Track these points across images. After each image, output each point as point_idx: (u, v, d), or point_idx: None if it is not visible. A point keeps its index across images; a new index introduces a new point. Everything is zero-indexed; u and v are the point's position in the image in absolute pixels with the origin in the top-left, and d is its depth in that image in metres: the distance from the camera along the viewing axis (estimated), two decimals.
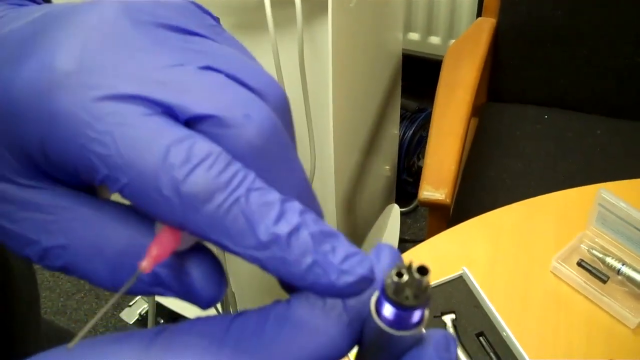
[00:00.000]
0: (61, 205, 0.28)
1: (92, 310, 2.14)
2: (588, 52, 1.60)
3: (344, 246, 0.27)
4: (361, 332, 0.29)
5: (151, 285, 0.29)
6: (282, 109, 0.30)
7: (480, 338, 0.93)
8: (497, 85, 1.73)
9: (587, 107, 1.65)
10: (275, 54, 1.15)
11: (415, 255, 1.06)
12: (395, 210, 2.03)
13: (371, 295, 0.28)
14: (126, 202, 0.28)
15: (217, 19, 0.33)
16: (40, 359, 0.27)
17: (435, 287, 0.98)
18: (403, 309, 0.26)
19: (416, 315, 0.27)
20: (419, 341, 0.28)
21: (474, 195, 1.51)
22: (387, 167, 2.06)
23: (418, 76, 2.27)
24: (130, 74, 0.27)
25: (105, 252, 0.28)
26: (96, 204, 0.29)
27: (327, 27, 1.20)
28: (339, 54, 1.26)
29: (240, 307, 1.72)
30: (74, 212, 0.28)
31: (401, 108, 2.06)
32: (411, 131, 2.19)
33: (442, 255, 1.06)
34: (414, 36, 2.37)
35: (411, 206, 2.34)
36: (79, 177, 0.27)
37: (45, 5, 0.31)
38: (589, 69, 1.62)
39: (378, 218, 1.98)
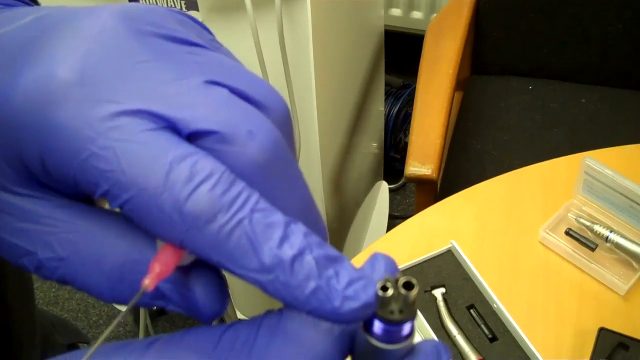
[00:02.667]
0: (59, 217, 0.28)
1: (84, 299, 2.13)
2: (569, 21, 1.59)
3: (347, 271, 0.27)
4: (352, 345, 0.29)
5: (154, 299, 0.29)
6: (284, 122, 0.30)
7: (471, 310, 0.93)
8: (481, 58, 1.73)
9: (571, 76, 1.65)
10: (254, 34, 1.14)
11: (403, 231, 1.06)
12: (383, 187, 2.03)
13: None
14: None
15: (212, 33, 0.32)
16: None
17: (425, 262, 0.98)
18: (389, 324, 0.27)
19: (404, 329, 0.27)
20: (409, 352, 0.29)
21: (461, 168, 1.51)
22: (374, 144, 2.06)
23: (402, 52, 2.26)
24: (133, 88, 0.26)
25: (104, 265, 0.28)
26: (95, 216, 0.29)
27: (306, 5, 1.19)
28: (319, 32, 1.25)
29: (232, 310, 1.72)
30: (73, 224, 0.28)
31: (386, 84, 2.05)
32: (397, 107, 2.19)
33: (431, 230, 1.06)
34: (396, 12, 2.36)
35: (399, 183, 2.34)
36: (79, 189, 0.27)
37: (37, 8, 0.30)
38: (571, 38, 1.61)
39: (367, 196, 1.98)
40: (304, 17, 1.21)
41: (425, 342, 0.29)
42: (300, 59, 1.26)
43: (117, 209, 0.27)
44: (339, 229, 1.74)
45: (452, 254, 0.99)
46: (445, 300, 0.94)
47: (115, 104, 0.26)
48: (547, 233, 1.02)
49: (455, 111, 1.68)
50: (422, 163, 1.27)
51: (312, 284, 0.26)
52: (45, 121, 0.26)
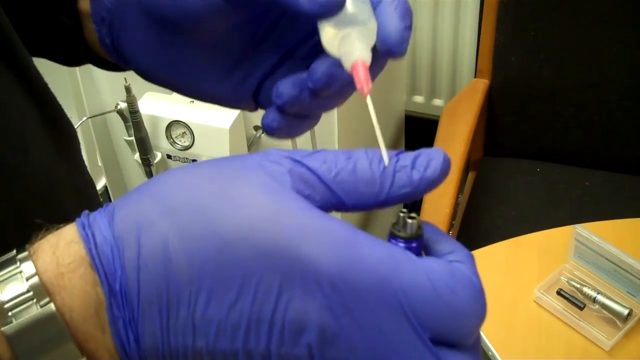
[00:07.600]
0: None
1: None
2: (574, 109, 1.73)
3: None
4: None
5: None
6: None
7: None
8: (493, 141, 1.86)
9: (577, 160, 1.77)
10: None
11: None
12: None
13: None
14: None
15: None
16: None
17: None
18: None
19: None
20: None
21: (471, 240, 1.62)
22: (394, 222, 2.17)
23: (423, 136, 2.39)
24: None
25: None
26: None
27: None
28: (342, 115, 1.38)
29: None
30: None
31: None
32: None
33: None
34: (419, 99, 2.50)
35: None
36: None
37: None
38: (576, 125, 1.75)
39: None
40: None
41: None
42: (325, 137, 1.39)
43: None
44: None
45: None
46: None
47: None
48: (541, 293, 1.12)
49: (469, 189, 1.81)
50: None
51: None
52: None
